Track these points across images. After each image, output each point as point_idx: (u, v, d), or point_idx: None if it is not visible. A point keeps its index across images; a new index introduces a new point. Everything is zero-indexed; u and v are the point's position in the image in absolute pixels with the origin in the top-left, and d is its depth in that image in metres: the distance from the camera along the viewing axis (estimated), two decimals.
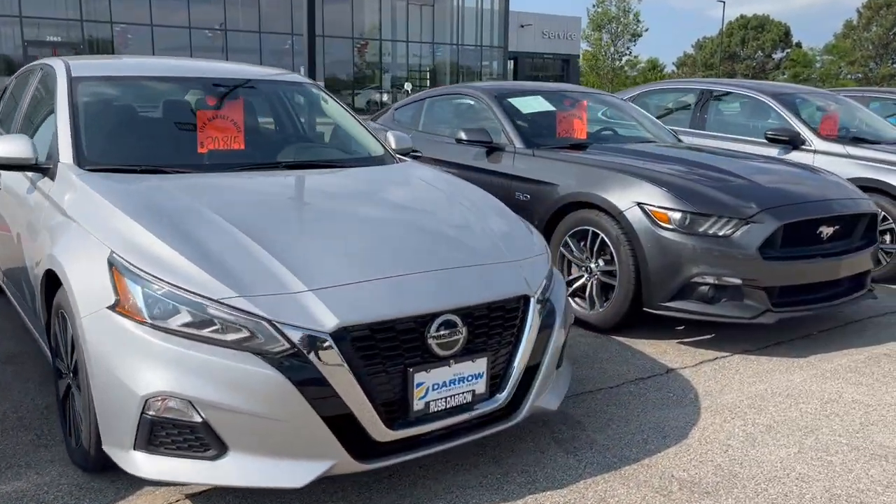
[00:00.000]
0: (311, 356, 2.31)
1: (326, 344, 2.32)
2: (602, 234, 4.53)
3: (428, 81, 43.17)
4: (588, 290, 4.68)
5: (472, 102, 5.94)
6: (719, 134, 7.35)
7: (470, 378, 2.63)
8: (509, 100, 5.75)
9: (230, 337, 2.30)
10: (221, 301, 2.32)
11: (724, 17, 75.59)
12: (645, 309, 4.40)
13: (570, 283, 4.79)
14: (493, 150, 5.46)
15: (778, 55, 76.63)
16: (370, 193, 3.42)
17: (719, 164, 4.91)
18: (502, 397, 2.74)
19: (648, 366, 4.13)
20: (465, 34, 44.15)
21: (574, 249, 4.75)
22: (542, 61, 55.48)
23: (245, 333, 2.31)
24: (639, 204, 4.36)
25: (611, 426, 3.38)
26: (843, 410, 3.61)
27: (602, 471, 2.97)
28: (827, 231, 4.44)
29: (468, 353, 2.62)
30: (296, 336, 2.31)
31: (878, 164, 6.17)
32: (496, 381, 2.75)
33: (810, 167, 5.18)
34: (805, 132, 6.68)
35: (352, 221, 2.98)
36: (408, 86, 35.58)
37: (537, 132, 5.64)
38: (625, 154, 5.08)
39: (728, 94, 7.54)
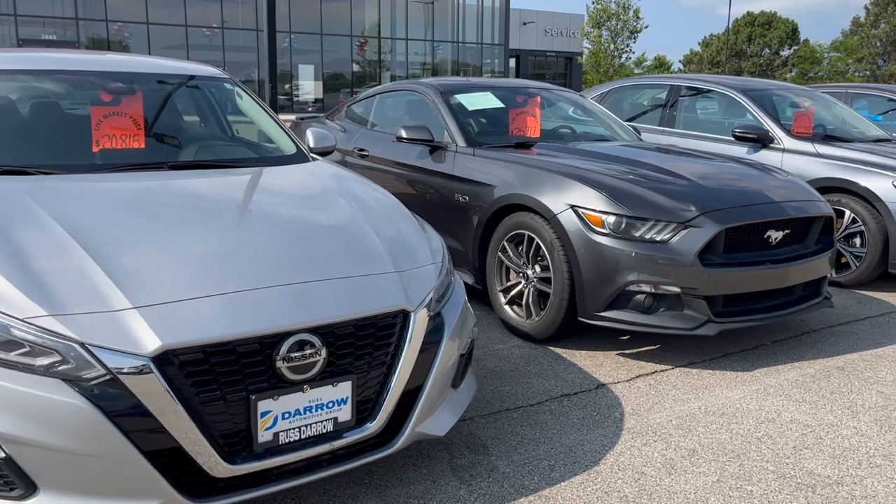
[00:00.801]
0: (129, 383, 2.04)
1: (146, 369, 2.05)
2: (537, 239, 4.26)
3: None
4: (525, 297, 4.41)
5: (419, 99, 5.67)
6: (689, 132, 7.07)
7: (331, 405, 2.36)
8: (456, 96, 5.48)
9: (40, 362, 2.04)
10: (27, 321, 2.06)
11: (730, 14, 75.00)
12: (580, 319, 4.11)
13: (507, 291, 4.52)
14: (435, 149, 5.19)
15: (785, 52, 76.03)
16: (250, 197, 3.15)
17: (667, 164, 4.63)
18: (373, 425, 2.47)
19: (578, 380, 3.85)
20: (465, 32, 43.84)
21: (511, 255, 4.47)
22: (544, 59, 55.16)
23: (56, 357, 2.05)
24: (572, 207, 4.09)
25: (518, 450, 3.10)
26: (778, 432, 3.33)
27: None
28: (776, 235, 4.15)
29: (329, 376, 2.36)
30: (111, 361, 2.05)
31: (847, 164, 5.87)
32: (367, 406, 2.48)
33: (766, 167, 4.88)
34: (774, 130, 6.39)
35: (212, 229, 2.71)
36: None
37: (483, 130, 5.37)
38: (571, 153, 4.80)
39: (698, 90, 7.24)
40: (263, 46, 36.59)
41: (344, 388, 2.38)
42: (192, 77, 4.18)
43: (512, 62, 52.31)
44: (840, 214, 5.85)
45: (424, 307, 2.61)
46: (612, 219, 3.95)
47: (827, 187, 5.95)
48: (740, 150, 6.52)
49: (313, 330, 2.31)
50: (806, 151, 6.14)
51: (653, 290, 3.93)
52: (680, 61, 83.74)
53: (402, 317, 2.54)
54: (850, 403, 3.66)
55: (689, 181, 4.22)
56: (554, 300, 4.18)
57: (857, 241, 5.77)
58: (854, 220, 5.76)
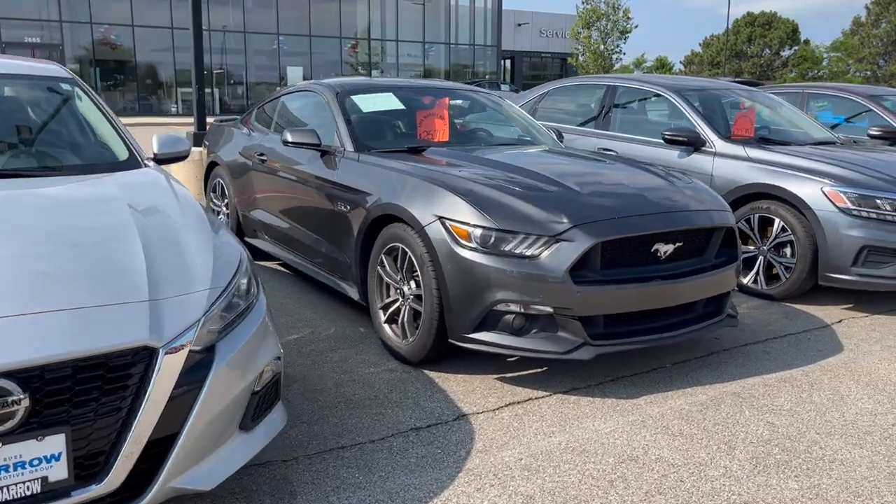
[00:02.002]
0: None
1: None
2: (410, 253, 3.90)
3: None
4: (401, 316, 4.05)
5: (319, 101, 5.31)
6: (623, 135, 6.70)
7: (36, 462, 2.01)
8: (352, 97, 5.12)
9: None
10: None
11: (728, 14, 74.57)
12: (450, 340, 3.75)
13: (386, 308, 4.16)
14: (324, 153, 4.83)
15: (786, 53, 75.54)
16: (24, 208, 2.80)
17: (557, 171, 4.27)
18: (106, 482, 2.11)
19: (438, 411, 3.49)
20: (458, 33, 43.49)
21: (389, 269, 4.12)
22: (539, 60, 54.86)
23: None
24: (440, 218, 3.73)
25: (330, 498, 2.74)
26: (636, 473, 2.96)
27: None
28: (665, 249, 3.78)
29: (35, 428, 2.00)
30: None
31: (777, 169, 5.49)
32: (97, 460, 2.12)
33: (669, 173, 4.51)
34: (706, 132, 6.02)
35: None
36: None
37: (376, 134, 5.02)
38: (461, 159, 4.45)
39: (634, 90, 6.87)
40: (252, 48, 36.30)
41: (55, 442, 2.02)
42: (27, 76, 3.83)
43: (507, 64, 52.00)
44: (770, 222, 5.48)
45: (182, 342, 2.25)
46: (479, 232, 3.60)
47: (756, 194, 5.58)
48: (671, 155, 6.16)
49: (9, 374, 1.95)
50: (737, 155, 5.78)
51: (522, 310, 3.58)
52: (680, 62, 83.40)
53: (148, 354, 2.18)
54: (731, 437, 3.29)
55: (571, 190, 3.86)
56: (424, 320, 3.83)
57: (788, 251, 5.39)
58: (784, 229, 5.39)
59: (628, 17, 31.97)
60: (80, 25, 32.46)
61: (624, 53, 36.00)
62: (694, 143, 5.99)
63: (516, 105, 7.56)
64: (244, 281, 2.67)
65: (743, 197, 5.66)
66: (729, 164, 5.78)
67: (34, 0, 31.56)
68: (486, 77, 43.09)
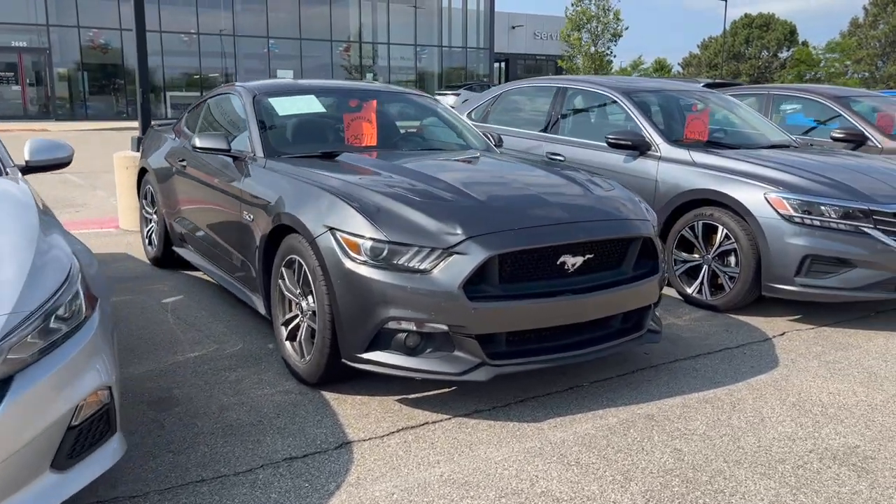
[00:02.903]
0: None
1: None
2: (305, 266, 3.66)
3: (415, 84, 42.34)
4: (300, 333, 3.81)
5: (238, 103, 5.07)
6: (571, 139, 6.46)
7: None
8: (269, 100, 4.88)
9: None
10: None
11: (725, 15, 74.45)
12: (343, 360, 3.50)
13: (287, 323, 3.92)
14: (235, 159, 4.60)
15: (784, 54, 75.38)
16: None
17: (467, 177, 4.04)
18: None
19: (322, 437, 3.25)
20: (451, 36, 43.26)
21: (289, 283, 3.88)
22: (534, 62, 54.58)
23: None
24: (331, 229, 3.49)
25: None
26: None
27: None
28: (573, 261, 3.53)
29: None
30: None
31: (722, 174, 5.25)
32: None
33: (589, 179, 4.26)
34: (652, 136, 5.77)
35: None
36: None
37: (292, 138, 4.78)
38: (373, 166, 4.22)
39: (583, 92, 6.63)
40: (241, 52, 36.09)
41: None
42: None
43: (502, 66, 51.77)
44: (714, 230, 5.24)
45: None
46: (369, 244, 3.35)
47: (700, 200, 5.34)
48: (618, 160, 5.91)
49: None
50: (681, 160, 5.53)
51: (415, 328, 3.33)
52: (679, 64, 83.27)
53: None
54: (630, 467, 3.04)
55: (474, 199, 3.61)
56: (318, 338, 3.58)
57: (732, 259, 5.14)
58: (727, 237, 5.14)
59: (619, 19, 31.74)
60: (68, 29, 32.27)
61: (614, 56, 35.70)
62: (639, 147, 5.75)
63: (474, 106, 7.34)
64: (70, 299, 2.42)
65: (687, 203, 5.42)
66: (673, 168, 5.53)
67: (21, 4, 31.37)
68: (484, 78, 42.86)
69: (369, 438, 3.26)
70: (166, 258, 5.93)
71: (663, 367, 4.18)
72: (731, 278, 5.14)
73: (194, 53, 35.44)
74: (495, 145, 5.50)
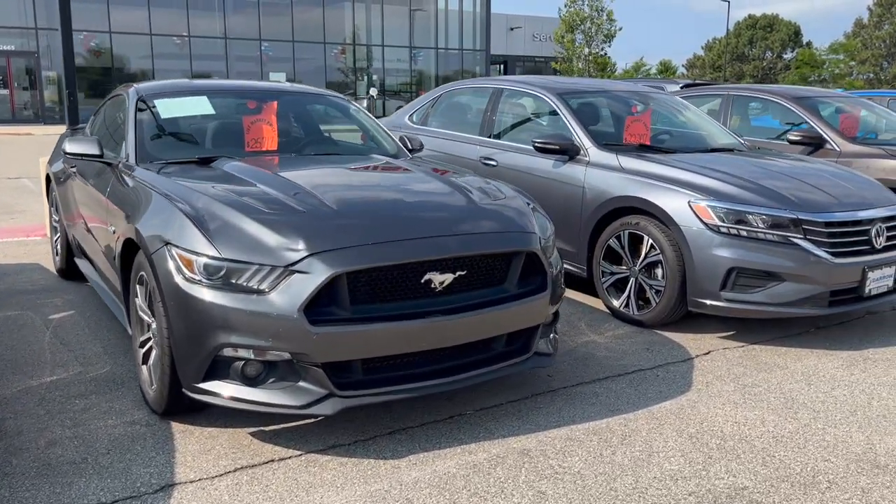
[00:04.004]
0: None
1: None
2: (151, 284, 3.31)
3: (412, 86, 42.08)
4: (151, 357, 3.46)
5: (125, 105, 4.74)
6: (504, 142, 6.12)
7: None
8: (155, 100, 4.55)
9: None
10: None
11: (728, 16, 73.98)
12: (183, 390, 3.16)
13: (143, 345, 3.58)
14: (109, 165, 4.27)
15: (788, 55, 74.95)
16: None
17: (332, 184, 3.71)
18: None
19: (145, 478, 2.91)
20: (448, 38, 42.95)
21: (141, 303, 3.53)
22: (532, 65, 54.30)
23: None
24: (167, 244, 3.15)
25: None
26: None
27: None
28: (441, 279, 3.18)
29: None
30: None
31: (646, 180, 4.89)
32: None
33: (476, 186, 3.90)
34: (581, 140, 5.41)
35: None
36: (373, 91, 34.33)
37: (173, 144, 4.44)
38: (239, 173, 3.85)
39: (518, 93, 6.27)
40: (233, 54, 35.85)
41: None
42: None
43: (501, 68, 51.51)
44: (640, 240, 4.88)
45: None
46: (203, 261, 3.01)
47: (626, 208, 4.98)
48: (547, 164, 5.56)
49: None
50: (609, 165, 5.17)
51: (254, 356, 2.98)
52: (683, 65, 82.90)
53: None
54: None
55: (328, 210, 3.27)
56: (159, 365, 3.24)
57: (659, 272, 4.78)
58: (653, 248, 4.77)
59: (612, 20, 31.29)
60: (57, 33, 32.02)
61: (607, 56, 35.26)
62: (567, 152, 5.39)
63: (416, 108, 7.01)
64: None
65: (614, 211, 5.07)
66: (601, 174, 5.18)
67: (10, 7, 31.22)
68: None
69: (198, 480, 2.91)
70: (71, 269, 5.60)
71: (562, 392, 3.83)
72: (657, 292, 4.79)
73: (185, 56, 35.23)
74: (414, 150, 5.16)
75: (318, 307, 2.97)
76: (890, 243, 4.69)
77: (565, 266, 5.44)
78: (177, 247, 3.09)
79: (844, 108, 7.56)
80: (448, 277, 3.20)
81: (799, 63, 70.58)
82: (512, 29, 51.75)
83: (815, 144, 6.81)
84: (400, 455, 3.14)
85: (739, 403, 3.72)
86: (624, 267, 5.00)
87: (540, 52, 53.40)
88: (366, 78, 39.56)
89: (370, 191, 3.69)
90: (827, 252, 4.40)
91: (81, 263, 5.25)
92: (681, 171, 4.84)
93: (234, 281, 2.98)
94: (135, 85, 4.85)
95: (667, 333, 4.79)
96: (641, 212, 4.86)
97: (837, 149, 6.72)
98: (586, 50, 31.88)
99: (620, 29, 32.88)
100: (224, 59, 35.64)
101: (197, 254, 3.03)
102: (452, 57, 43.64)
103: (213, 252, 3.00)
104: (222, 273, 2.99)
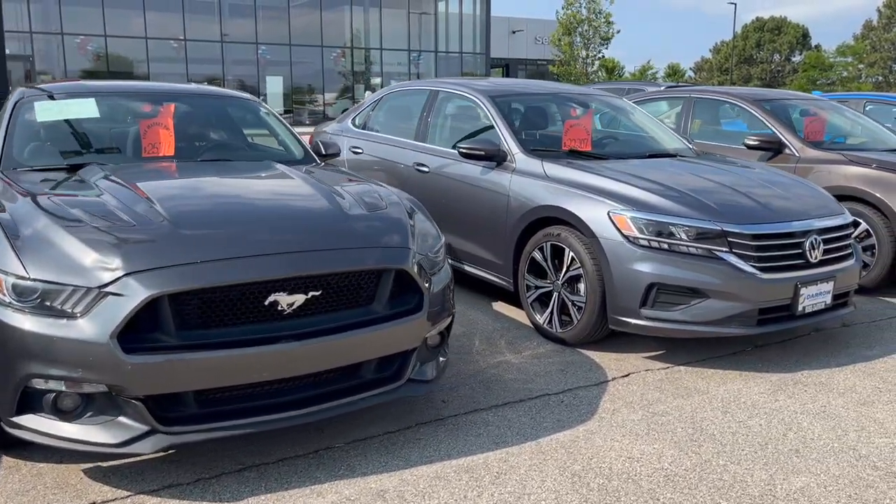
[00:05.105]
0: None
1: None
2: None
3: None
4: None
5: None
6: (436, 147, 5.79)
7: None
8: (36, 103, 4.25)
9: None
10: None
11: (735, 19, 73.56)
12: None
13: None
14: None
15: (797, 58, 74.47)
16: None
17: (197, 196, 3.38)
18: None
19: None
20: (448, 41, 42.67)
21: None
22: (535, 68, 53.94)
23: None
24: None
25: None
26: None
27: None
28: (290, 300, 2.88)
29: None
30: None
31: (569, 188, 4.56)
32: None
33: (354, 195, 3.57)
34: (509, 145, 5.09)
35: None
36: (368, 94, 34.03)
37: (47, 149, 4.14)
38: (98, 181, 3.54)
39: (452, 96, 5.95)
40: (229, 58, 35.70)
41: None
42: None
43: (503, 72, 51.20)
44: (562, 252, 4.55)
45: None
46: (11, 281, 2.71)
47: (549, 218, 4.65)
48: (475, 172, 5.24)
49: None
50: (534, 173, 4.85)
51: (70, 388, 2.67)
52: (690, 69, 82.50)
53: None
54: None
55: (159, 226, 2.95)
56: None
57: (581, 286, 4.44)
58: (574, 261, 4.44)
59: (609, 23, 30.86)
60: (52, 36, 31.99)
61: (616, 60, 34.85)
62: (494, 158, 5.06)
63: (358, 111, 6.71)
64: None
65: (537, 221, 4.74)
66: (526, 182, 4.85)
67: (5, 11, 31.10)
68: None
69: None
70: None
71: (450, 422, 3.50)
72: (579, 308, 4.45)
73: (181, 59, 35.05)
74: (328, 155, 4.85)
75: (139, 333, 2.66)
76: (828, 257, 4.33)
77: (493, 278, 5.12)
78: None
79: (810, 111, 7.19)
80: (299, 298, 2.88)
81: (806, 66, 70.03)
82: (514, 32, 51.41)
83: (773, 149, 6.45)
84: (240, 497, 2.82)
85: (641, 435, 3.38)
86: (548, 281, 4.67)
87: (542, 55, 53.01)
88: (363, 81, 39.30)
89: (229, 202, 3.37)
90: (754, 266, 4.06)
91: None
92: (605, 179, 4.51)
93: (47, 304, 2.68)
94: (34, 86, 4.56)
95: (590, 353, 4.45)
96: (563, 222, 4.53)
97: (797, 154, 6.36)
98: (583, 53, 31.42)
99: (619, 31, 32.41)
100: (221, 62, 35.43)
101: (5, 273, 2.71)
102: (452, 60, 43.33)
103: (21, 271, 2.69)
104: (37, 295, 2.69)
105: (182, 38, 34.69)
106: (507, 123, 5.21)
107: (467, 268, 5.40)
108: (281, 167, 4.06)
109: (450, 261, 5.52)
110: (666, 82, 11.63)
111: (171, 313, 2.69)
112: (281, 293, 2.85)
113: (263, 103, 5.11)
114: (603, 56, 32.41)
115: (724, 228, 4.07)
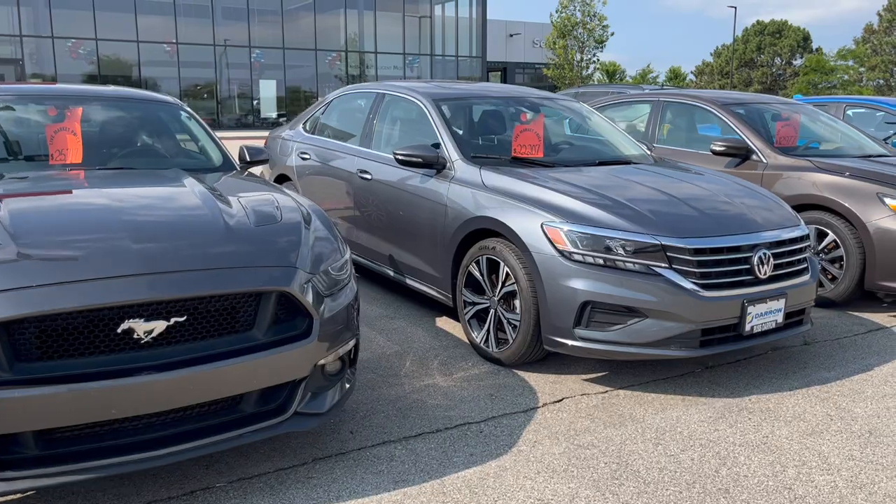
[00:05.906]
0: None
1: None
2: None
3: None
4: None
5: None
6: (379, 153, 5.49)
7: None
8: None
9: None
10: None
11: (735, 22, 73.22)
12: None
13: None
14: None
15: (798, 62, 74.15)
16: None
17: (52, 209, 3.07)
18: None
19: None
20: (444, 45, 42.41)
21: None
22: (532, 71, 53.68)
23: None
24: None
25: None
26: None
27: None
28: (147, 327, 2.58)
29: None
30: None
31: (505, 198, 4.26)
32: None
33: (248, 209, 3.27)
34: (448, 151, 4.79)
35: None
36: None
37: None
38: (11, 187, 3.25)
39: (396, 99, 5.65)
40: (223, 61, 35.48)
41: None
42: None
43: (501, 75, 50.95)
44: (497, 267, 4.24)
45: None
46: None
47: (484, 230, 4.35)
48: (415, 179, 4.94)
49: None
50: (471, 182, 4.54)
51: None
52: (692, 72, 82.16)
53: None
54: None
55: (7, 250, 2.64)
56: None
57: (518, 304, 4.14)
58: (509, 276, 4.13)
59: (604, 26, 30.55)
60: (42, 40, 31.79)
61: (599, 61, 34.46)
62: (433, 165, 4.76)
63: (309, 115, 6.42)
64: None
65: (474, 233, 4.43)
66: (462, 191, 4.55)
67: None
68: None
69: None
70: None
71: (352, 456, 3.19)
72: (514, 327, 4.14)
73: (174, 63, 34.83)
74: (252, 162, 4.56)
75: None
76: (779, 272, 4.02)
77: (433, 293, 4.82)
78: None
79: (783, 116, 6.87)
80: (158, 325, 2.58)
81: (807, 70, 69.68)
82: (511, 35, 51.19)
83: (741, 156, 6.15)
84: None
85: (559, 472, 3.07)
86: (485, 297, 4.36)
87: (540, 59, 52.73)
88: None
89: (96, 218, 3.05)
90: (696, 283, 3.75)
91: None
92: (543, 189, 4.20)
93: None
94: None
95: (526, 374, 4.15)
96: (499, 235, 4.23)
97: (764, 160, 6.05)
98: (578, 56, 31.11)
99: (612, 34, 32.07)
100: (214, 66, 35.21)
101: None
102: (448, 63, 43.09)
103: None
104: None
105: (174, 41, 34.47)
106: (447, 128, 4.92)
107: (409, 281, 5.10)
108: (182, 176, 3.76)
109: (392, 273, 5.26)
110: (657, 86, 11.27)
111: (2, 344, 2.38)
112: (136, 320, 2.54)
113: (185, 106, 4.80)
114: (598, 59, 32.08)
115: (664, 242, 3.76)
